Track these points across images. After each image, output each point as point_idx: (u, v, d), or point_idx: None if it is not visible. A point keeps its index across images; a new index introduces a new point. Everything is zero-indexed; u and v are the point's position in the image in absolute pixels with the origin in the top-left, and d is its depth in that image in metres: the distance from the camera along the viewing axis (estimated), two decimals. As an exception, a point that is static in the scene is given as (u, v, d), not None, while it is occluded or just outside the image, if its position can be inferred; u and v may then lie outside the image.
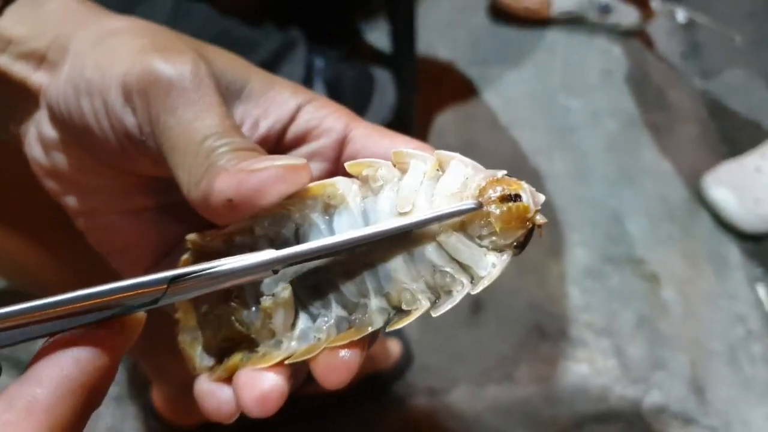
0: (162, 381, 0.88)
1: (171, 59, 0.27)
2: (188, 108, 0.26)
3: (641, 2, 1.49)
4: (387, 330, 0.27)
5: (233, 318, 0.29)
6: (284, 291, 0.27)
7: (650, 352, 1.06)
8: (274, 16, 1.08)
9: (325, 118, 0.30)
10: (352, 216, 0.27)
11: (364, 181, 0.27)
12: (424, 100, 1.25)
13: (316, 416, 0.96)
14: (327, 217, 0.27)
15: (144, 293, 0.24)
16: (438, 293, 0.27)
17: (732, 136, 1.45)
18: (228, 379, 0.29)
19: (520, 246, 0.26)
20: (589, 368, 1.04)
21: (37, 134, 0.31)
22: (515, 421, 1.00)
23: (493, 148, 1.31)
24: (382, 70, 1.16)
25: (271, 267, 0.26)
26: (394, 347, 1.00)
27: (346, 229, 0.27)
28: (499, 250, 0.26)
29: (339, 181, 0.27)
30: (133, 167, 0.30)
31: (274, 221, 0.27)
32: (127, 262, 0.33)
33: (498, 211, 0.26)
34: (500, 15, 1.52)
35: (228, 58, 0.30)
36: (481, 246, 0.27)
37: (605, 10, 1.49)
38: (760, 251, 1.26)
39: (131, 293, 0.24)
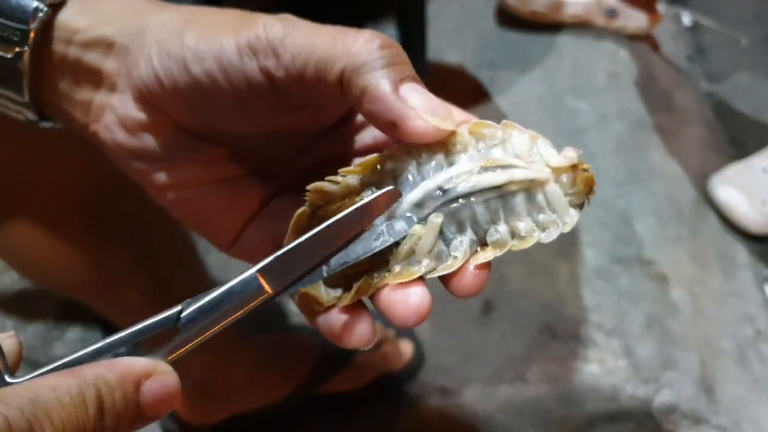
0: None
1: (274, 17, 0.30)
2: (307, 26, 0.30)
3: (648, 6, 1.50)
4: (513, 249, 0.33)
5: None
6: (437, 218, 0.32)
7: (660, 351, 1.07)
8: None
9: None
10: (473, 160, 0.33)
11: (481, 137, 0.33)
12: None
13: (332, 415, 0.97)
14: (450, 160, 0.33)
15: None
16: (543, 228, 0.33)
17: (739, 138, 1.46)
18: (354, 307, 0.31)
19: (582, 206, 0.34)
20: (600, 368, 1.04)
21: (118, 119, 0.33)
22: (527, 420, 1.00)
23: (501, 151, 1.32)
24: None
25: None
26: (407, 348, 1.01)
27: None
28: (573, 206, 0.34)
29: (462, 132, 0.32)
30: (236, 123, 0.33)
31: (402, 160, 0.33)
32: (216, 229, 0.36)
33: (583, 176, 0.34)
34: (508, 19, 1.53)
35: None
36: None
37: (612, 14, 1.50)
38: (767, 251, 1.27)
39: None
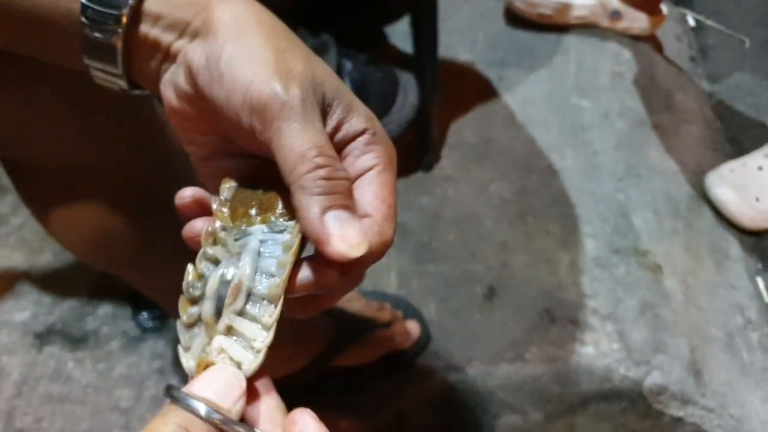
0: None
1: (287, 84, 0.35)
2: (296, 122, 0.35)
3: (650, 8, 1.53)
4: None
5: None
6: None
7: (652, 336, 1.10)
8: (307, 23, 1.15)
9: (371, 152, 0.38)
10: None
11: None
12: (444, 99, 1.29)
13: (343, 387, 1.02)
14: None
15: None
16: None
17: (737, 137, 1.49)
18: None
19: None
20: (595, 350, 1.08)
21: (172, 82, 0.40)
22: (525, 397, 1.05)
23: (508, 145, 1.35)
24: (405, 72, 1.22)
25: None
26: (414, 328, 1.05)
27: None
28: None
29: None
30: (242, 135, 0.38)
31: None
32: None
33: None
34: (516, 20, 1.57)
35: (327, 73, 0.38)
36: None
37: (616, 16, 1.53)
38: (760, 246, 1.30)
39: None
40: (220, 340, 0.35)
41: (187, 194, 0.41)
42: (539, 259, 1.18)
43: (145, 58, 0.40)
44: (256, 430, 0.32)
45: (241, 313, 0.35)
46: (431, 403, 1.04)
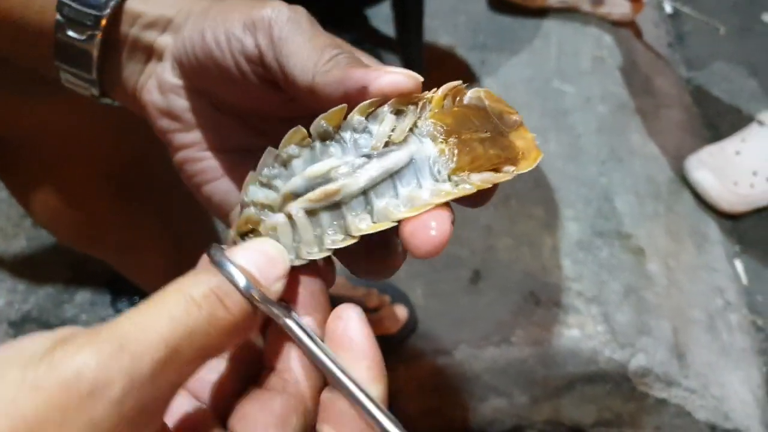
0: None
1: (286, 6, 0.33)
2: (305, 30, 0.32)
3: None
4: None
5: None
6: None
7: (636, 319, 1.11)
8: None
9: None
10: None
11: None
12: (426, 82, 1.28)
13: None
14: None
15: None
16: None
17: (714, 122, 1.52)
18: None
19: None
20: (580, 333, 1.09)
21: (157, 82, 0.37)
22: (511, 379, 1.05)
23: (490, 130, 1.35)
24: (389, 54, 1.21)
25: None
26: (401, 312, 1.05)
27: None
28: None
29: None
30: (243, 96, 0.36)
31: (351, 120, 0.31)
32: (208, 195, 0.39)
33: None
34: (498, 4, 1.56)
35: None
36: None
37: (597, 1, 1.54)
38: (738, 229, 1.33)
39: None
40: (282, 218, 0.32)
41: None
42: (523, 243, 1.19)
43: (122, 60, 0.38)
44: (293, 313, 0.29)
45: (332, 207, 0.31)
46: (419, 386, 1.04)
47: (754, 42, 1.68)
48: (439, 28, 1.50)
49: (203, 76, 0.36)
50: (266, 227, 0.32)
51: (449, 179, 0.31)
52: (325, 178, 0.31)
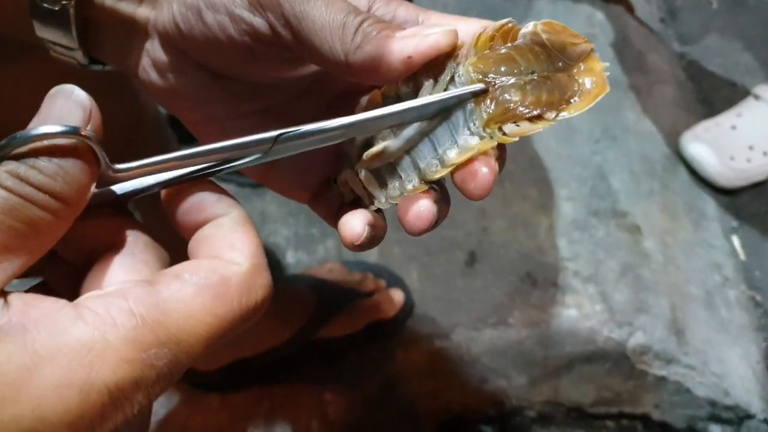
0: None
1: None
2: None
3: None
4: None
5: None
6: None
7: (634, 297, 1.11)
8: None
9: (397, 9, 0.34)
10: None
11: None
12: None
13: (331, 358, 1.01)
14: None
15: (253, 149, 0.30)
16: None
17: (708, 97, 1.51)
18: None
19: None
20: (578, 313, 1.09)
21: (151, 61, 0.36)
22: (510, 361, 1.05)
23: (483, 111, 1.34)
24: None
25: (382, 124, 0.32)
26: (398, 296, 1.05)
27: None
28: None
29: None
30: (250, 69, 0.35)
31: (416, 80, 0.32)
32: None
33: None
34: (488, -18, 1.54)
35: None
36: None
37: (589, -24, 1.52)
38: (735, 204, 1.32)
39: (241, 150, 0.30)
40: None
41: None
42: (518, 223, 1.18)
43: (110, 34, 0.37)
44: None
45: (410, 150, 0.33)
46: (417, 370, 1.04)
47: (747, 15, 1.66)
48: (429, 8, 1.47)
49: (203, 56, 0.35)
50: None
51: (483, 131, 0.30)
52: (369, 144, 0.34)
